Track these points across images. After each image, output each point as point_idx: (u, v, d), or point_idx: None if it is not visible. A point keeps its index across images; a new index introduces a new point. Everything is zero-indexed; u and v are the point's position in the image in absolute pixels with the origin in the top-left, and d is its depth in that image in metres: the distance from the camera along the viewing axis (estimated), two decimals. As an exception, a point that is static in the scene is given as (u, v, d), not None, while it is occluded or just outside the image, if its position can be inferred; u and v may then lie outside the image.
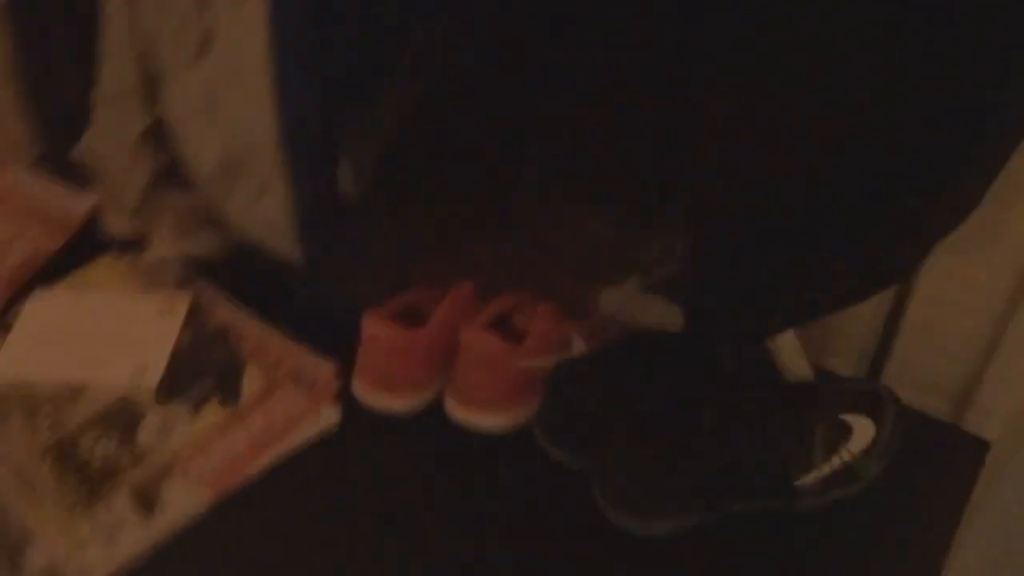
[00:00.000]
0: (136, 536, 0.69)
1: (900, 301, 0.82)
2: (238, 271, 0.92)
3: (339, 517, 0.72)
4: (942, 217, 0.51)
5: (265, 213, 0.78)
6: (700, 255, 0.57)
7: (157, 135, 0.85)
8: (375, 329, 0.75)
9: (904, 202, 0.49)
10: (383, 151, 0.80)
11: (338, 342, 0.82)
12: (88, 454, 0.75)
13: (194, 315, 0.86)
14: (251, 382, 0.81)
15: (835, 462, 0.71)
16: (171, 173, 0.90)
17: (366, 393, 0.77)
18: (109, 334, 0.84)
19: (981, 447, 0.77)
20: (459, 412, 0.76)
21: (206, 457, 0.75)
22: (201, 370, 0.81)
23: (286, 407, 0.79)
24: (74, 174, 0.96)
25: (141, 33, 0.76)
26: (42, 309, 0.86)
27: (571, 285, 0.82)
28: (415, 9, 0.64)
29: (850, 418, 0.73)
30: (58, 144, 0.96)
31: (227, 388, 0.80)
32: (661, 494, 0.69)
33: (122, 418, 0.77)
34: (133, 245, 0.93)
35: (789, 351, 0.79)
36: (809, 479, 0.70)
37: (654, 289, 0.83)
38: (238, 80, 0.71)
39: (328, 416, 0.78)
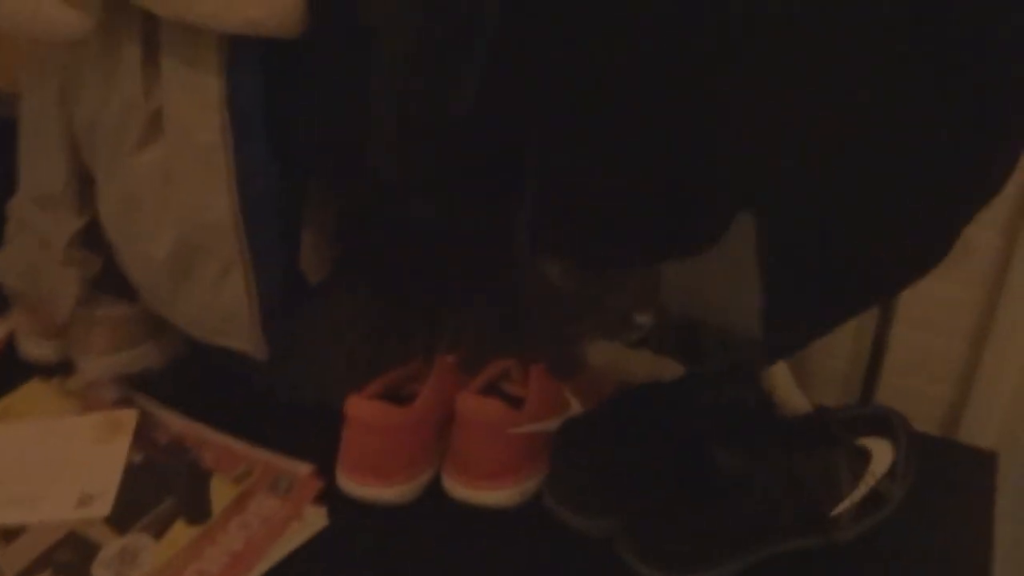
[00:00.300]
0: None
1: (883, 328, 0.82)
2: (182, 383, 0.84)
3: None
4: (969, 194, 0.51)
5: (225, 301, 0.72)
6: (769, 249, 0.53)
7: (87, 240, 0.78)
8: (360, 411, 0.69)
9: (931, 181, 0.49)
10: (346, 225, 0.76)
11: (313, 441, 0.74)
12: (36, 602, 0.64)
13: (143, 431, 0.77)
14: (220, 495, 0.72)
15: (862, 488, 0.68)
16: (101, 284, 0.82)
17: (355, 485, 0.70)
18: (46, 465, 0.74)
19: (990, 459, 0.76)
20: (460, 490, 0.70)
21: (180, 585, 0.65)
22: (160, 490, 0.72)
23: (265, 517, 0.70)
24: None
25: (74, 128, 0.70)
26: (-38, 447, 0.75)
27: (556, 346, 0.78)
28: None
29: (866, 442, 0.71)
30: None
31: (193, 506, 0.71)
32: (695, 543, 0.65)
33: (73, 555, 0.67)
34: (60, 367, 0.84)
35: (784, 386, 0.77)
36: (842, 509, 0.67)
37: (639, 343, 0.80)
38: (194, 159, 0.66)
39: (314, 520, 0.70)
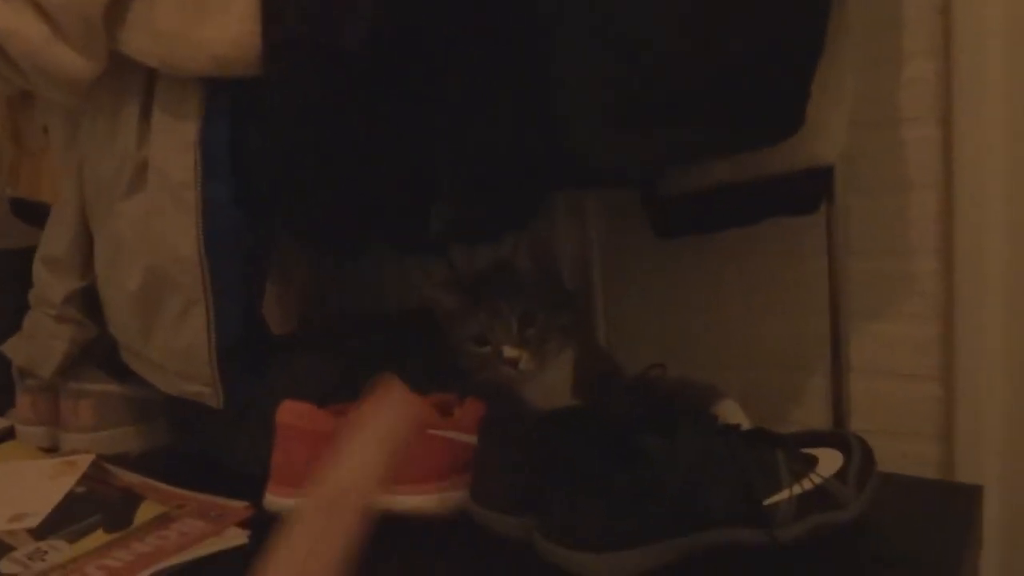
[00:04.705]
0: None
1: (838, 381, 0.78)
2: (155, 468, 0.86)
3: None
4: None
5: (187, 337, 0.77)
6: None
7: (84, 306, 0.87)
8: (292, 417, 0.69)
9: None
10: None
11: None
12: (-65, 585, 0.63)
13: (98, 475, 0.78)
14: (144, 514, 0.71)
15: (805, 484, 0.62)
16: (94, 361, 0.89)
17: (275, 497, 0.68)
18: (-5, 492, 0.76)
19: (975, 494, 0.68)
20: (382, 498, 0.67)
21: (79, 573, 0.63)
22: (90, 511, 0.72)
23: (183, 532, 0.69)
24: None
25: (83, 188, 0.82)
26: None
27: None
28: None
29: (813, 451, 0.66)
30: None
31: (115, 519, 0.70)
32: (614, 522, 0.59)
33: (-14, 554, 0.66)
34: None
35: (732, 414, 0.73)
36: (781, 500, 0.61)
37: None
38: (169, 197, 0.75)
39: (233, 537, 0.68)
